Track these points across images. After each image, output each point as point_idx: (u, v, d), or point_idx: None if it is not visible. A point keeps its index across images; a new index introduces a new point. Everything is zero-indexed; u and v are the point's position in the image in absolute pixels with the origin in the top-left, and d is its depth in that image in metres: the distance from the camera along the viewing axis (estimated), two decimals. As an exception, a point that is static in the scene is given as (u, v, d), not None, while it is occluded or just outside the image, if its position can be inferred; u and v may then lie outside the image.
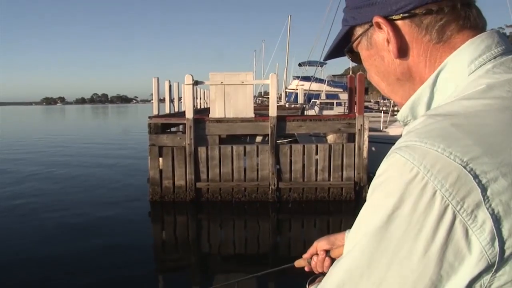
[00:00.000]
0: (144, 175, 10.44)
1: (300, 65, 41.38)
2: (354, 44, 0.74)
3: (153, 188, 9.75)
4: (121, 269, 6.46)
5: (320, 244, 1.11)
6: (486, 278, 0.51)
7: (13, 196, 10.95)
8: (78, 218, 9.10)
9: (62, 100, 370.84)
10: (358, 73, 10.15)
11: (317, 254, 1.11)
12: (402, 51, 0.66)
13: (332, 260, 1.06)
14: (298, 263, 1.17)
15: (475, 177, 0.49)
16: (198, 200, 9.65)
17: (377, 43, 0.69)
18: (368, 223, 0.55)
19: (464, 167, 0.50)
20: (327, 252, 1.09)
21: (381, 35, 0.68)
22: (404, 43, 0.66)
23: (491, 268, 0.50)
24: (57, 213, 9.45)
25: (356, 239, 0.57)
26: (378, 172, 0.57)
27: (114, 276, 6.24)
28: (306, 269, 1.13)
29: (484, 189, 0.49)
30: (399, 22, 0.65)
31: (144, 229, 8.90)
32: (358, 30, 0.72)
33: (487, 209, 0.49)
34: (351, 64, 38.50)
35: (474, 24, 0.65)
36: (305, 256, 1.14)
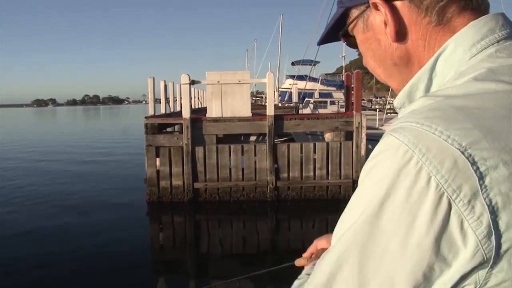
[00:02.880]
0: (141, 175, 10.37)
1: (293, 64, 41.56)
2: (350, 27, 0.70)
3: (151, 188, 9.68)
4: (118, 270, 6.44)
5: (320, 243, 1.07)
6: (481, 275, 0.48)
7: (10, 197, 10.83)
8: (75, 219, 9.04)
9: (53, 101, 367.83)
10: (356, 70, 10.15)
11: None
12: (400, 34, 0.62)
13: None
14: (298, 262, 1.16)
15: (473, 163, 0.46)
16: (196, 200, 9.60)
17: (373, 25, 0.65)
18: (359, 210, 0.51)
19: (462, 153, 0.46)
20: None
21: (378, 17, 0.63)
22: (402, 25, 0.62)
23: (486, 263, 0.47)
24: (54, 214, 9.40)
25: (346, 226, 0.53)
26: (371, 155, 0.53)
27: (112, 277, 6.23)
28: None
29: (481, 178, 0.46)
30: (397, 3, 0.61)
31: (141, 230, 8.86)
32: (354, 12, 0.67)
33: (484, 199, 0.46)
34: (344, 63, 38.73)
35: (476, 5, 0.61)
36: (305, 255, 1.12)
